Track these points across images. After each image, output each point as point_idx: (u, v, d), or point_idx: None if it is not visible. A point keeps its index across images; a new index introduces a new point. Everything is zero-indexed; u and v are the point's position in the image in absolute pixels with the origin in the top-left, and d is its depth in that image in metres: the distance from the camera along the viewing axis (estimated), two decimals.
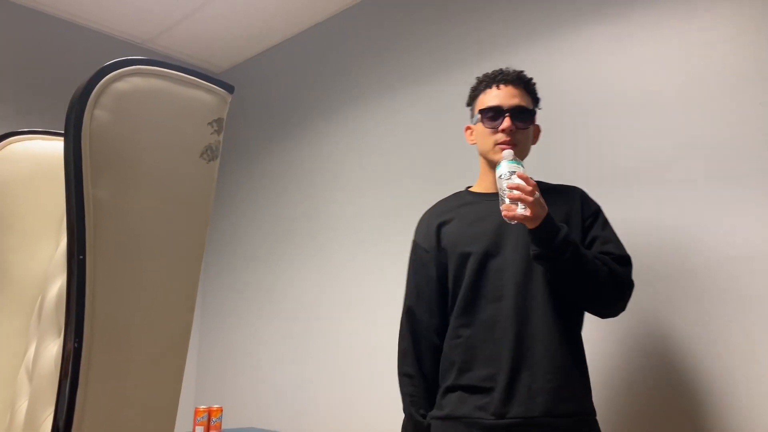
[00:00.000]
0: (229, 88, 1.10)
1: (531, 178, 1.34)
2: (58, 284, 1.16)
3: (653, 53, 1.93)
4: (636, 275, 1.83)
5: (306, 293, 2.89)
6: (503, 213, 1.33)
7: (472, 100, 1.64)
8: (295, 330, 2.90)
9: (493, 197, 1.53)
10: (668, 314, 1.77)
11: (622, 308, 1.47)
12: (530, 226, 1.34)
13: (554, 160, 2.09)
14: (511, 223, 1.37)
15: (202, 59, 3.56)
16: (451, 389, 1.48)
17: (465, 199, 1.64)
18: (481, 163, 1.63)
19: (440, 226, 1.60)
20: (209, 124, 1.06)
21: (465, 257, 1.51)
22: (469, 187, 1.68)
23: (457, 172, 2.36)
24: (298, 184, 3.08)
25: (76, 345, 0.90)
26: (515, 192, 1.31)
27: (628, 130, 1.95)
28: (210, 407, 2.60)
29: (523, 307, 1.43)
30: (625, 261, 1.47)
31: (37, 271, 1.36)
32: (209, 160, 1.06)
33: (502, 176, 1.36)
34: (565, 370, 1.40)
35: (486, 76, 1.59)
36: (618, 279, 1.43)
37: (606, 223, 1.54)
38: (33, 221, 1.39)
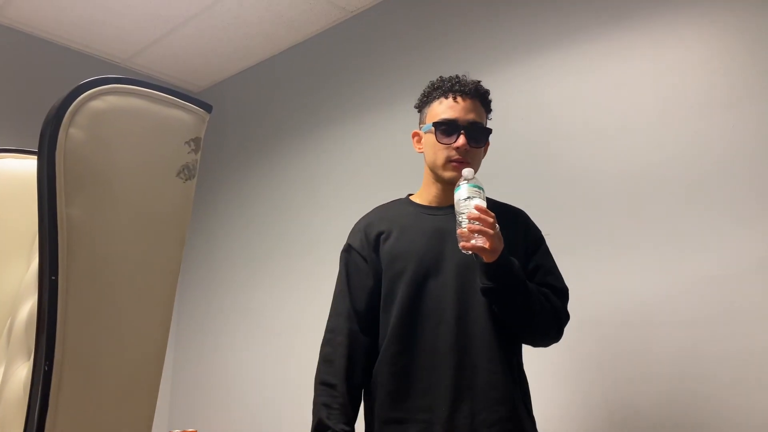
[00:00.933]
0: (207, 108, 1.09)
1: (489, 211, 1.28)
2: (28, 306, 1.13)
3: (625, 78, 1.97)
4: (604, 303, 1.85)
5: (284, 314, 2.86)
6: (460, 244, 1.27)
7: (423, 105, 1.54)
8: (272, 351, 2.86)
9: (436, 211, 1.49)
10: (632, 343, 1.79)
11: (557, 340, 1.45)
12: (487, 259, 1.29)
13: (528, 183, 2.11)
14: (465, 253, 1.30)
15: (181, 78, 3.55)
16: (386, 422, 1.38)
17: (406, 209, 1.54)
18: (426, 173, 1.53)
19: (379, 236, 1.50)
20: (186, 143, 1.06)
21: (402, 275, 1.42)
22: (410, 194, 1.58)
23: None
24: (276, 204, 3.06)
25: (46, 368, 0.88)
26: (476, 224, 1.25)
27: (603, 150, 1.98)
28: (184, 431, 2.55)
29: (464, 335, 1.36)
30: (563, 294, 1.45)
31: (7, 292, 1.32)
32: (186, 180, 1.05)
33: (460, 201, 1.29)
34: (511, 401, 1.34)
35: (441, 81, 1.50)
36: (557, 314, 1.41)
37: (547, 253, 1.50)
38: (3, 241, 1.36)
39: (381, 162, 2.63)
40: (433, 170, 1.50)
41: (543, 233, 1.54)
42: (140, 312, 0.99)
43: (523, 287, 1.35)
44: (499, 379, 1.34)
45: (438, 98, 1.49)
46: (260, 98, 3.32)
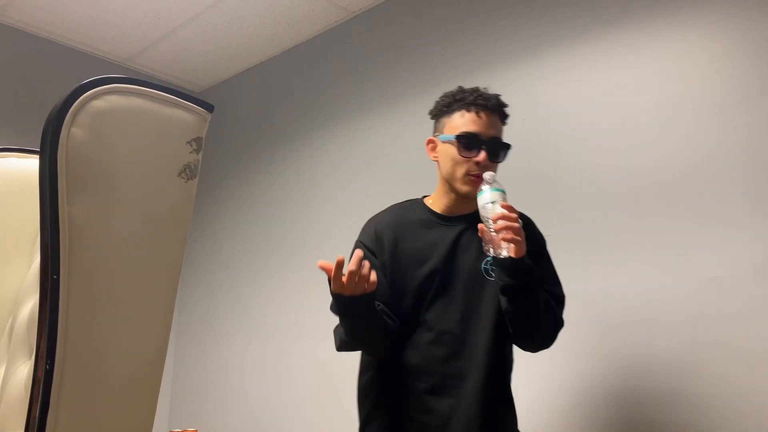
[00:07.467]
0: (209, 107, 1.10)
1: (513, 207, 1.30)
2: (30, 305, 1.14)
3: (627, 79, 1.97)
4: (603, 303, 1.85)
5: (285, 314, 2.86)
6: (486, 248, 1.31)
7: (441, 114, 1.51)
8: (273, 352, 2.86)
9: (450, 222, 1.49)
10: (633, 343, 1.79)
11: (549, 345, 1.46)
12: (516, 255, 1.28)
13: (527, 184, 2.11)
14: (488, 255, 1.33)
15: (182, 78, 3.55)
16: (422, 391, 1.44)
17: (420, 215, 1.53)
18: (440, 181, 1.52)
19: (389, 239, 1.50)
20: (188, 143, 1.06)
21: (408, 286, 1.45)
22: (426, 196, 1.58)
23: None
24: (277, 204, 3.06)
25: (47, 367, 0.88)
26: (500, 222, 1.27)
27: (604, 151, 1.98)
28: (185, 430, 2.55)
29: (462, 344, 1.41)
30: (561, 301, 1.47)
31: (9, 291, 1.32)
32: (188, 179, 1.05)
33: (485, 205, 1.31)
34: (490, 416, 1.39)
35: (463, 93, 1.47)
36: (557, 319, 1.43)
37: (549, 259, 1.50)
38: (5, 240, 1.36)
39: (383, 162, 2.63)
40: (449, 182, 1.48)
41: (544, 235, 1.54)
42: (141, 311, 0.99)
43: (538, 287, 1.37)
44: (485, 394, 1.39)
45: (459, 110, 1.46)
46: (261, 98, 3.32)
